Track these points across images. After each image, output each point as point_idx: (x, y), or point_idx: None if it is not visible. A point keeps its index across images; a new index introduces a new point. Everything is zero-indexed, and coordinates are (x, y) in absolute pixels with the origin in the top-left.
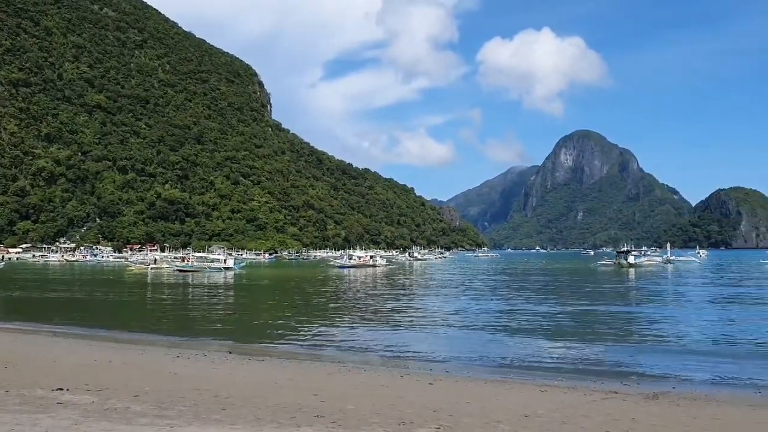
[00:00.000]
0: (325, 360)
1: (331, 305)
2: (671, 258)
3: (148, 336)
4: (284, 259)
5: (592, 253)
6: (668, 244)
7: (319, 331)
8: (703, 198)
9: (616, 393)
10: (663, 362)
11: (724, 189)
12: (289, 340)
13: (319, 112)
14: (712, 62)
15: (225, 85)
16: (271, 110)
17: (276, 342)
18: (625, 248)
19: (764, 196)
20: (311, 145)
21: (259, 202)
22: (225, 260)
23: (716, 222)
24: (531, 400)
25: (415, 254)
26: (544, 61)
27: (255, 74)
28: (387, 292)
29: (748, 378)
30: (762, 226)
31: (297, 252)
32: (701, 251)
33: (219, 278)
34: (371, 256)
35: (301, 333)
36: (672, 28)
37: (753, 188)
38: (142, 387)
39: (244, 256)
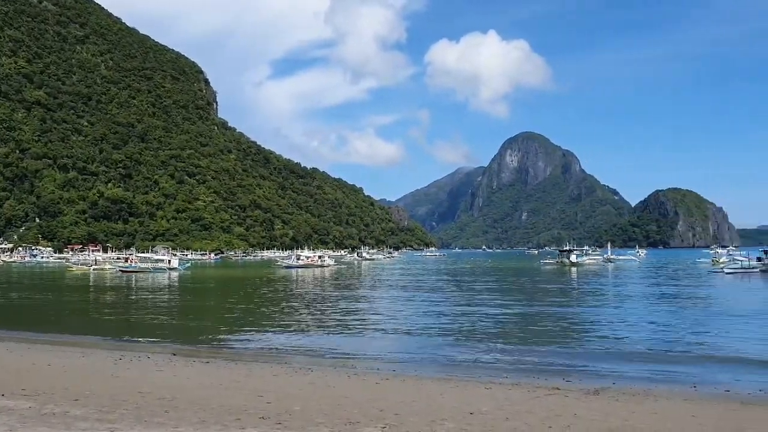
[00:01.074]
0: (272, 361)
1: (278, 306)
2: (611, 257)
3: (90, 339)
4: (230, 259)
5: (536, 252)
6: (609, 244)
7: (266, 333)
8: (642, 198)
9: (558, 389)
10: (604, 359)
11: (662, 190)
12: (235, 342)
13: (267, 110)
14: (650, 67)
15: (170, 83)
16: (217, 108)
17: (221, 344)
18: (568, 247)
19: (700, 197)
20: (258, 144)
21: (205, 202)
22: (169, 261)
23: (655, 222)
24: (476, 397)
25: (364, 254)
26: (489, 63)
27: (201, 72)
28: (335, 292)
29: (684, 374)
30: (698, 226)
31: (244, 252)
32: (640, 250)
33: (163, 279)
34: (319, 256)
35: (247, 334)
36: (613, 34)
37: (689, 189)
38: (82, 391)
39: (189, 256)
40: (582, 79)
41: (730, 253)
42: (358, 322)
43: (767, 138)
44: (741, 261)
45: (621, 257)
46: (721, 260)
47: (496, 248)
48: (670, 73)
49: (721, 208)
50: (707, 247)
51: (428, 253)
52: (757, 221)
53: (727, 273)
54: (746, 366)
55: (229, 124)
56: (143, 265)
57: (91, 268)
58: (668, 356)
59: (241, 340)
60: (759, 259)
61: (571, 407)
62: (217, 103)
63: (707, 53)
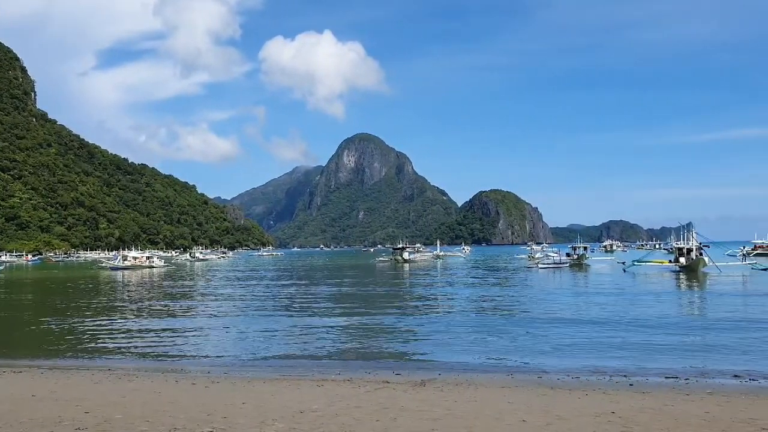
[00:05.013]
0: (94, 368)
1: (101, 310)
2: (440, 254)
3: None
4: (50, 261)
5: (371, 250)
6: (438, 241)
7: (87, 339)
8: (468, 199)
9: (387, 382)
10: (432, 352)
11: (485, 191)
12: (53, 350)
13: (91, 103)
14: (472, 75)
15: None
16: (35, 99)
17: (37, 352)
18: (401, 245)
19: (518, 198)
20: (82, 137)
21: (21, 199)
22: None
23: (479, 221)
24: (307, 395)
25: (197, 254)
26: (325, 63)
27: (17, 59)
28: (162, 295)
29: (503, 363)
30: (516, 225)
31: (65, 253)
32: (465, 247)
33: None
34: (147, 257)
35: (67, 341)
36: (440, 42)
37: (509, 190)
38: None
39: (3, 258)
40: (412, 84)
41: (544, 249)
42: (187, 325)
43: (573, 144)
44: (553, 257)
45: (449, 254)
46: (536, 256)
47: (334, 247)
48: (490, 80)
49: (537, 208)
50: (524, 244)
51: (265, 253)
52: (567, 220)
53: (541, 268)
54: (550, 356)
55: (50, 116)
56: None
57: None
58: (491, 345)
59: (61, 347)
60: (568, 255)
61: (398, 400)
62: (35, 93)
63: (522, 64)
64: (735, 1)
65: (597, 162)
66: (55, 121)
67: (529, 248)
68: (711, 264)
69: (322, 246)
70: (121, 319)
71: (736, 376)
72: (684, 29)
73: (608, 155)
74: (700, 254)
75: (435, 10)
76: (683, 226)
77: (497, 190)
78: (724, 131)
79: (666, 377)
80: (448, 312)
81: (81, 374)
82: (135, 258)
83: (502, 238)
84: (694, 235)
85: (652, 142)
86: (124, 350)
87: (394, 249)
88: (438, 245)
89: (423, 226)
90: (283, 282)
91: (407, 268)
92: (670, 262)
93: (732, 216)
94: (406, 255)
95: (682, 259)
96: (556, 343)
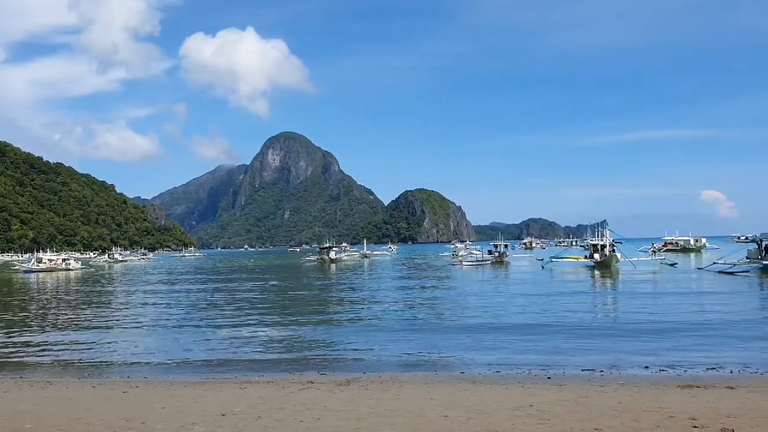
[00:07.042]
0: (3, 378)
1: (14, 315)
2: (367, 252)
3: None
4: None
5: (298, 249)
6: (365, 240)
7: None
8: (394, 198)
9: (312, 383)
10: (358, 351)
11: (410, 190)
12: None
13: (1, 98)
14: (401, 76)
15: None
16: None
17: None
18: (328, 245)
19: (442, 197)
20: None
21: None
22: None
23: (405, 220)
24: (229, 398)
25: (116, 256)
26: (247, 60)
27: None
28: (79, 298)
29: (427, 361)
30: (441, 223)
31: None
32: (392, 246)
33: None
34: (64, 259)
35: None
36: (368, 43)
37: (434, 190)
38: None
39: None
40: (337, 83)
41: (468, 247)
42: (105, 331)
43: (494, 144)
44: (476, 254)
45: (376, 252)
46: (460, 254)
47: (259, 247)
48: (414, 81)
49: (460, 206)
50: (449, 242)
51: (187, 254)
52: (489, 218)
53: (466, 265)
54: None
55: None
56: None
57: None
58: (416, 342)
59: None
60: (490, 252)
61: (322, 399)
62: None
63: (444, 65)
64: (648, 5)
65: (517, 162)
66: None
67: (453, 246)
68: (624, 260)
69: (246, 246)
70: (35, 323)
71: (646, 367)
72: (599, 33)
73: (527, 155)
74: (613, 251)
75: (359, 10)
76: (598, 224)
77: (423, 189)
78: (637, 132)
79: (582, 370)
80: (374, 311)
81: None
82: (50, 260)
83: (428, 237)
84: (608, 232)
85: (569, 143)
86: (37, 358)
87: (321, 248)
88: (365, 244)
89: (350, 226)
90: (206, 285)
91: (334, 268)
92: (585, 258)
93: (644, 214)
94: (332, 254)
95: (597, 256)
96: (479, 340)
